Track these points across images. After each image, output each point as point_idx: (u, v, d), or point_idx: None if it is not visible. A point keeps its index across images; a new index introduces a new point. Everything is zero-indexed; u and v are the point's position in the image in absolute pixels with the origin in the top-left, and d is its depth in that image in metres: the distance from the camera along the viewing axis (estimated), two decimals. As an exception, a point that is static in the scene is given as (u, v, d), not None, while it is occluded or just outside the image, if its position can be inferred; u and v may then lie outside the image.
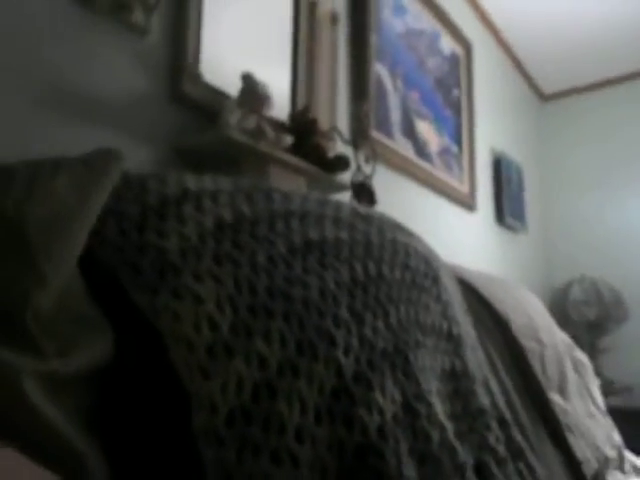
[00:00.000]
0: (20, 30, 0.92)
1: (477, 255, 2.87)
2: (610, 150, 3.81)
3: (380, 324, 0.62)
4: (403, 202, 2.22)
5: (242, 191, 0.68)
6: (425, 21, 2.66)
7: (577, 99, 4.09)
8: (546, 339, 1.29)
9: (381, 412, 0.53)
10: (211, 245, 0.55)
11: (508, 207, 3.23)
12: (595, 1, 3.22)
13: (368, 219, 0.81)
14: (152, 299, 0.48)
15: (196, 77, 1.24)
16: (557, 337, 1.42)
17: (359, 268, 0.66)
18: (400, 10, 2.44)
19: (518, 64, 3.84)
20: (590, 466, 1.07)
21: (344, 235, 0.71)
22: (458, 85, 2.93)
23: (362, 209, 0.86)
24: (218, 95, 1.28)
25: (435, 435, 0.57)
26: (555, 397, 1.19)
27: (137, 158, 1.12)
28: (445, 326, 0.79)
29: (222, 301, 0.51)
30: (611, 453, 1.25)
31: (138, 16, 1.09)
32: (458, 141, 2.84)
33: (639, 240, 3.58)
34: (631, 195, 3.66)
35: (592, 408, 1.37)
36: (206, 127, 1.24)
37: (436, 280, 0.84)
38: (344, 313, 0.58)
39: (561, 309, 3.52)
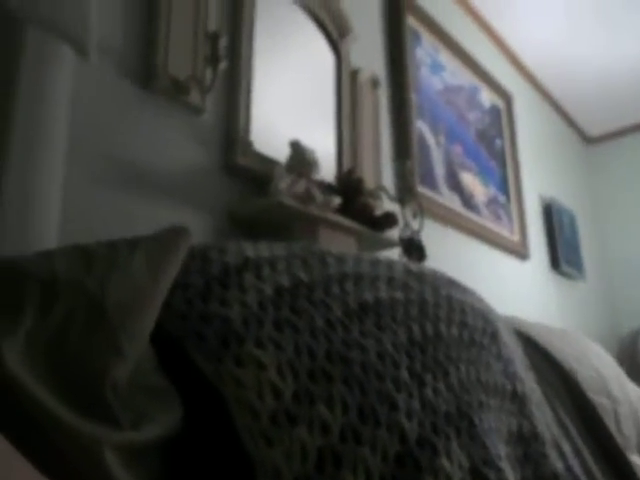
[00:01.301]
0: (93, 114, 1.01)
1: (533, 304, 2.78)
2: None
3: (441, 385, 0.61)
4: (453, 254, 2.20)
5: (297, 257, 0.70)
6: (463, 77, 2.72)
7: (622, 140, 4.02)
8: (618, 394, 1.23)
9: (448, 478, 0.52)
10: (271, 312, 0.56)
11: (563, 253, 3.14)
12: (632, 43, 3.22)
13: (421, 277, 0.82)
14: (217, 367, 0.50)
15: (247, 147, 1.31)
16: (630, 391, 1.34)
17: (416, 328, 0.66)
18: (438, 68, 2.51)
19: (560, 109, 3.83)
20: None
21: (399, 295, 0.71)
22: (501, 136, 2.94)
23: (414, 267, 0.87)
24: (269, 163, 1.34)
25: (507, 502, 0.55)
26: (634, 458, 1.11)
27: (196, 227, 1.17)
28: (508, 385, 0.76)
29: (283, 367, 0.52)
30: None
31: (195, 96, 1.17)
32: (505, 190, 2.82)
33: None
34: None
35: (675, 468, 1.27)
36: (259, 194, 1.29)
37: (495, 336, 0.82)
38: (404, 375, 0.58)
39: (630, 359, 3.33)
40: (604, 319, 3.54)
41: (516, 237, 2.77)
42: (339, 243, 1.38)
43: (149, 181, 1.11)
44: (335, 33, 1.79)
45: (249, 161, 1.31)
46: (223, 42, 1.13)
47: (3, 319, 0.43)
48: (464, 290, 0.90)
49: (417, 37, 2.39)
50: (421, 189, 2.07)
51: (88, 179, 0.99)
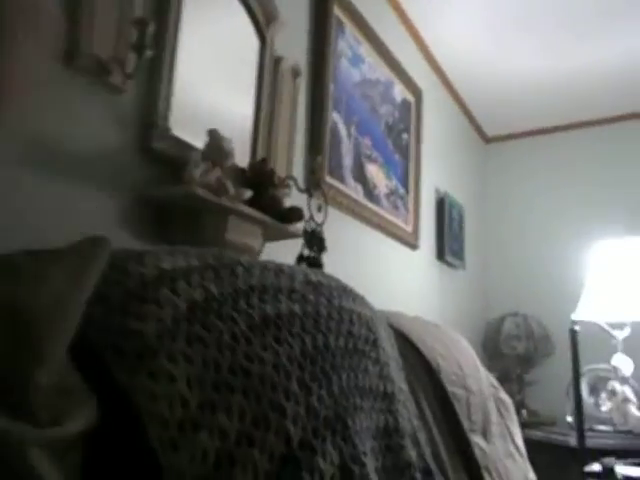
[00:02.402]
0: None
1: (420, 290, 3.04)
2: (548, 194, 4.10)
3: (324, 393, 0.72)
4: (353, 243, 2.35)
5: (210, 267, 0.77)
6: (379, 70, 2.83)
7: (519, 142, 4.40)
8: (473, 386, 1.43)
9: (322, 475, 0.63)
10: (184, 327, 0.64)
11: (449, 245, 3.43)
12: (538, 56, 3.50)
13: (318, 288, 0.92)
14: (132, 379, 0.57)
15: (165, 131, 1.33)
16: (483, 382, 1.56)
17: (308, 341, 0.77)
18: (357, 60, 2.60)
19: (465, 108, 4.10)
20: (505, 506, 1.21)
21: (297, 308, 0.81)
22: (408, 130, 3.11)
23: (314, 276, 0.97)
24: (186, 148, 1.37)
25: (366, 492, 0.68)
26: (478, 439, 1.32)
27: (108, 209, 1.19)
28: (381, 386, 0.90)
29: (192, 380, 0.60)
30: (526, 492, 1.40)
31: (116, 77, 1.17)
32: (405, 183, 3.02)
33: (569, 281, 3.85)
34: (566, 238, 3.94)
35: (511, 448, 1.52)
36: (174, 178, 1.32)
37: (375, 343, 0.95)
38: (294, 386, 0.68)
39: (494, 342, 3.74)
40: (477, 305, 3.93)
41: (410, 228, 2.99)
42: (246, 232, 1.45)
43: (65, 160, 1.10)
44: (262, 18, 1.81)
45: (166, 145, 1.33)
46: (151, 30, 1.13)
47: None
48: (354, 298, 1.02)
49: (341, 28, 2.46)
50: (329, 179, 2.18)
51: (5, 162, 0.98)
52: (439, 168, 3.52)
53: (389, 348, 1.05)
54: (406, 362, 1.18)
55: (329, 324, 0.84)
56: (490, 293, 4.09)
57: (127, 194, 1.25)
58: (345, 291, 1.01)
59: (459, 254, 3.61)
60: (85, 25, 1.11)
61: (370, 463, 0.73)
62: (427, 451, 0.97)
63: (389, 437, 0.85)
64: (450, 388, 1.31)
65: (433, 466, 0.95)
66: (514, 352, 3.54)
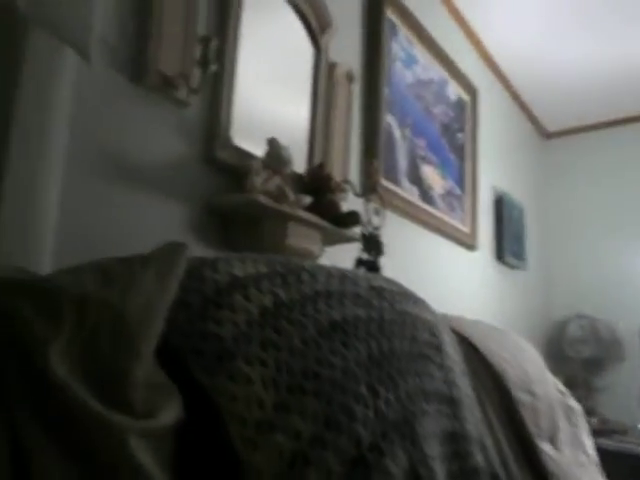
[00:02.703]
0: (86, 107, 1.05)
1: (479, 292, 2.99)
2: (613, 191, 3.94)
3: (391, 397, 0.74)
4: (409, 246, 2.35)
5: (278, 274, 0.80)
6: (433, 70, 2.81)
7: (580, 137, 4.24)
8: (539, 391, 1.40)
9: (391, 477, 0.65)
10: (257, 331, 0.67)
11: (508, 245, 3.35)
12: (597, 47, 3.38)
13: (381, 293, 0.94)
14: (213, 380, 0.61)
15: (227, 141, 1.38)
16: (550, 388, 1.53)
17: (374, 345, 0.78)
18: (411, 61, 2.59)
19: (522, 104, 3.99)
20: (575, 514, 1.17)
21: (362, 313, 0.83)
22: (463, 129, 3.07)
23: (376, 281, 0.98)
24: (246, 157, 1.41)
25: (436, 496, 0.68)
26: (546, 447, 1.29)
27: (175, 217, 1.25)
28: (447, 391, 0.90)
29: (267, 382, 0.63)
30: (598, 501, 1.35)
31: (181, 92, 1.22)
32: (461, 183, 2.98)
33: (638, 282, 3.68)
34: (632, 237, 3.77)
35: (582, 457, 1.47)
36: (235, 186, 1.37)
37: (439, 348, 0.96)
38: (363, 389, 0.70)
39: (558, 345, 3.63)
40: (539, 307, 3.82)
41: (467, 229, 2.94)
42: (306, 237, 1.48)
43: (135, 172, 1.17)
44: (316, 26, 1.84)
45: (228, 155, 1.38)
46: (214, 46, 1.18)
47: (48, 330, 0.52)
48: (416, 302, 1.03)
49: (394, 30, 2.46)
50: (384, 182, 2.18)
51: (80, 172, 1.04)
52: (496, 167, 3.45)
53: (453, 353, 1.05)
54: (470, 367, 1.17)
55: (393, 328, 0.86)
56: (553, 294, 3.96)
57: (193, 203, 1.30)
58: (407, 296, 1.02)
59: (520, 254, 3.52)
60: (153, 44, 1.17)
61: (438, 468, 0.73)
62: (495, 457, 0.96)
63: (456, 443, 0.85)
64: (515, 393, 1.29)
65: (501, 473, 0.94)
66: (580, 356, 3.41)
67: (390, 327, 0.85)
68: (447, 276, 2.66)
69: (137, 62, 1.16)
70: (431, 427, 0.79)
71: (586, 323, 3.53)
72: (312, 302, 0.78)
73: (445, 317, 1.42)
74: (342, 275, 0.92)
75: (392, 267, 1.94)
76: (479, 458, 0.88)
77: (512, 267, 3.43)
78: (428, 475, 0.69)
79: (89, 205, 1.06)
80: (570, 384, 3.24)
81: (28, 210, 0.86)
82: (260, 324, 0.68)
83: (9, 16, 0.85)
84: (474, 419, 0.96)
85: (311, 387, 0.65)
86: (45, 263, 0.88)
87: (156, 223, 1.20)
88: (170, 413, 0.57)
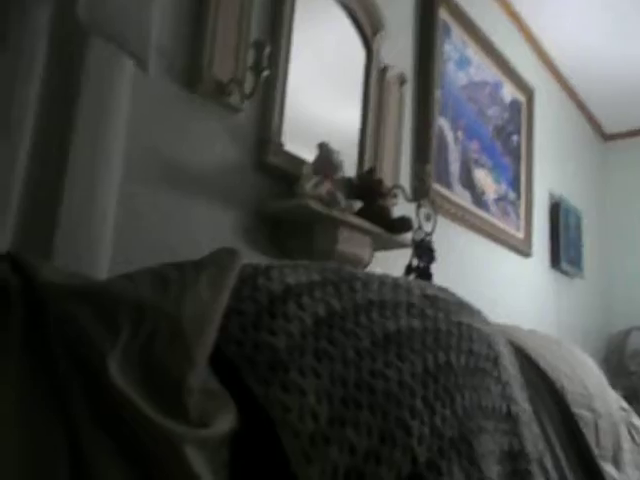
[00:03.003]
0: (142, 115, 1.07)
1: (533, 300, 2.89)
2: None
3: (448, 412, 0.71)
4: (461, 252, 2.29)
5: (330, 282, 0.79)
6: (487, 71, 2.74)
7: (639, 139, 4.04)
8: (600, 408, 1.33)
9: (449, 497, 0.62)
10: (311, 342, 0.66)
11: (565, 252, 3.23)
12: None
13: (435, 303, 0.91)
14: (266, 391, 0.60)
15: (278, 147, 1.38)
16: (612, 404, 1.45)
17: (430, 358, 0.76)
18: (464, 63, 2.54)
19: (580, 104, 3.84)
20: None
21: (416, 324, 0.80)
22: (518, 131, 2.98)
23: (430, 290, 0.95)
24: (297, 162, 1.41)
25: (495, 518, 0.65)
26: (608, 468, 1.23)
27: (227, 222, 1.26)
28: (504, 407, 0.87)
29: (321, 394, 0.61)
30: (663, 526, 1.27)
31: (234, 98, 1.23)
32: (516, 187, 2.88)
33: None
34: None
35: (646, 478, 1.39)
36: (286, 191, 1.36)
37: (496, 361, 0.92)
38: (419, 404, 0.68)
39: (618, 358, 3.46)
40: (598, 317, 3.66)
41: (521, 234, 2.85)
42: (356, 243, 1.47)
43: (188, 178, 1.19)
44: (368, 29, 1.82)
45: (279, 160, 1.39)
46: (267, 51, 1.19)
47: (106, 337, 0.53)
48: (471, 313, 0.99)
49: (447, 31, 2.41)
50: (436, 186, 2.14)
51: (136, 177, 1.07)
52: (553, 170, 3.33)
53: (510, 366, 1.00)
54: (527, 380, 1.12)
55: (449, 341, 0.83)
56: (613, 304, 3.78)
57: (245, 208, 1.31)
58: (462, 306, 0.99)
59: (577, 262, 3.38)
60: (207, 51, 1.18)
61: (497, 488, 0.70)
62: (555, 477, 0.91)
63: (514, 461, 0.81)
64: (576, 410, 1.23)
65: (562, 493, 0.89)
66: (641, 369, 3.24)
67: (446, 339, 0.82)
68: (500, 283, 2.58)
69: (192, 69, 1.18)
70: (489, 445, 0.76)
71: (649, 335, 3.35)
72: (365, 312, 0.76)
73: (501, 328, 1.37)
74: (395, 284, 0.89)
75: (444, 274, 1.89)
76: (539, 479, 0.83)
77: (568, 275, 3.30)
78: (487, 496, 0.66)
79: (144, 210, 1.08)
80: (631, 400, 3.08)
81: (87, 215, 0.88)
82: (314, 334, 0.67)
83: (69, 26, 0.88)
84: (533, 436, 0.92)
85: (365, 400, 0.63)
86: (103, 267, 0.90)
87: (208, 228, 1.21)
88: (224, 422, 0.56)
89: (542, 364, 1.25)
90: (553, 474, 0.91)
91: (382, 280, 0.89)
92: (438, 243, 1.91)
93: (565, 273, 3.26)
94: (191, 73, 1.18)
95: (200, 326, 0.59)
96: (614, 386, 3.27)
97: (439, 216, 2.09)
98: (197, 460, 0.51)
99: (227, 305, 0.65)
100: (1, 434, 0.44)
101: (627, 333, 3.46)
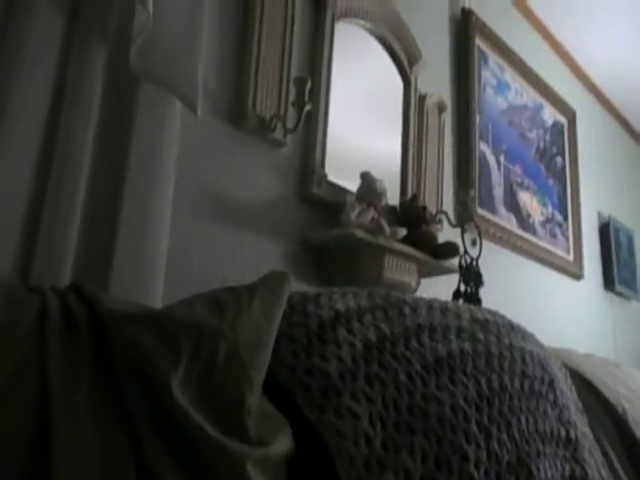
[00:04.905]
0: (191, 153, 1.13)
1: (587, 323, 2.78)
2: None
3: (504, 436, 0.70)
4: (509, 276, 2.25)
5: (379, 307, 0.80)
6: (526, 95, 2.73)
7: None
8: (666, 433, 1.27)
9: (510, 524, 0.60)
10: (362, 366, 0.66)
11: (618, 273, 3.11)
12: None
13: (486, 326, 0.90)
14: (320, 417, 0.60)
15: (322, 178, 1.41)
16: (678, 429, 1.38)
17: (483, 382, 0.75)
18: (502, 88, 2.54)
19: (624, 123, 3.75)
20: None
21: (467, 347, 0.80)
22: (562, 153, 2.93)
23: (480, 313, 0.95)
24: (340, 192, 1.43)
25: None
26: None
27: (273, 252, 1.29)
28: (563, 431, 0.84)
29: (374, 418, 0.62)
30: None
31: (278, 133, 1.28)
32: (563, 209, 2.82)
33: None
34: None
35: None
36: (330, 220, 1.39)
37: (552, 384, 0.90)
38: (473, 428, 0.67)
39: (683, 384, 3.27)
40: (658, 341, 3.48)
41: (571, 257, 2.77)
42: (402, 270, 1.47)
43: (235, 211, 1.22)
44: (405, 60, 1.86)
45: (323, 191, 1.41)
46: (308, 86, 1.23)
47: (168, 359, 0.55)
48: (524, 336, 0.98)
49: (484, 57, 2.43)
50: (480, 211, 2.12)
51: (186, 213, 1.11)
52: (601, 190, 3.25)
53: (567, 390, 0.98)
54: (585, 405, 1.09)
55: (502, 364, 0.82)
56: (673, 326, 3.60)
57: (290, 238, 1.34)
58: (513, 329, 0.97)
59: (631, 283, 3.25)
60: (251, 90, 1.24)
61: (561, 515, 0.68)
62: (621, 506, 0.87)
63: (578, 489, 0.78)
64: (638, 434, 1.18)
65: (630, 524, 0.85)
66: None
67: (499, 362, 0.81)
68: (552, 307, 2.51)
69: (236, 107, 1.23)
70: (549, 470, 0.74)
71: None
72: (416, 336, 0.76)
73: (556, 351, 1.34)
74: (444, 307, 0.89)
75: (492, 298, 1.86)
76: (605, 507, 0.80)
77: (624, 297, 3.17)
78: (549, 524, 0.64)
79: (194, 244, 1.12)
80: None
81: (140, 251, 0.92)
82: (365, 359, 0.68)
83: (123, 72, 0.94)
84: (595, 462, 0.88)
85: (419, 425, 0.63)
86: (156, 300, 0.93)
87: (255, 259, 1.24)
88: (283, 443, 0.57)
89: (601, 387, 1.21)
90: (620, 503, 0.87)
91: (430, 304, 0.89)
92: (485, 267, 1.89)
93: (620, 295, 3.14)
94: (236, 111, 1.23)
95: (256, 350, 0.61)
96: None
97: (485, 241, 2.07)
98: (258, 478, 0.52)
99: (278, 330, 0.67)
100: (82, 458, 0.46)
101: (692, 357, 3.27)
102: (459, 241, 1.66)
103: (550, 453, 0.77)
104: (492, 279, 2.00)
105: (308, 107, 1.25)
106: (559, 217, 2.79)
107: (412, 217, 1.58)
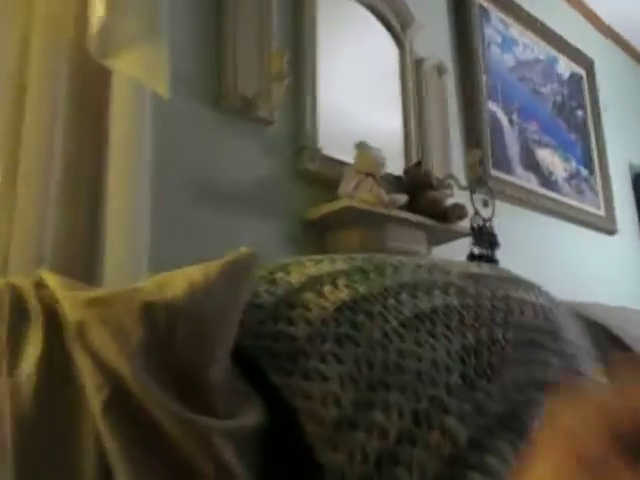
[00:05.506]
0: (172, 139, 1.12)
1: (623, 278, 2.66)
2: None
3: (493, 388, 0.66)
4: (534, 236, 2.17)
5: (357, 270, 0.77)
6: (537, 49, 2.62)
7: None
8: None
9: (497, 475, 0.57)
10: (332, 328, 0.64)
11: (656, 225, 2.96)
12: None
13: (479, 280, 0.86)
14: (288, 381, 0.58)
15: (316, 153, 1.38)
16: None
17: (470, 335, 0.71)
18: (509, 44, 2.44)
19: (652, 69, 3.56)
20: None
21: (454, 301, 0.76)
22: (582, 106, 2.81)
23: (475, 269, 0.90)
24: (337, 165, 1.40)
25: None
26: None
27: (270, 232, 1.27)
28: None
29: (344, 379, 0.59)
30: None
31: (263, 110, 1.26)
32: (588, 163, 2.70)
33: None
34: None
35: None
36: (329, 195, 1.36)
37: (556, 334, 0.85)
38: (456, 381, 0.64)
39: None
40: None
41: (602, 211, 2.66)
42: (409, 238, 1.43)
43: (227, 193, 1.21)
44: (397, 25, 1.80)
45: (318, 166, 1.39)
46: (286, 59, 1.20)
47: (125, 336, 0.54)
48: (526, 288, 0.93)
49: (486, 15, 2.34)
50: (495, 173, 2.05)
51: (170, 199, 1.11)
52: (630, 140, 3.09)
53: (577, 339, 0.92)
54: (605, 356, 1.03)
55: (494, 316, 0.77)
56: None
57: (288, 216, 1.32)
58: (512, 281, 0.93)
59: (672, 234, 3.09)
60: (229, 68, 1.22)
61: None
62: None
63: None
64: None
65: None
66: None
67: (490, 315, 0.77)
68: (583, 264, 2.41)
69: (217, 89, 1.22)
70: (549, 421, 0.70)
71: None
72: (395, 294, 0.73)
73: (578, 304, 1.27)
74: (432, 265, 0.86)
75: (515, 260, 1.79)
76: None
77: (665, 248, 3.02)
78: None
79: (183, 228, 1.11)
80: None
81: (126, 234, 0.92)
82: (336, 320, 0.65)
83: (88, 67, 0.93)
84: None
85: (395, 381, 0.60)
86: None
87: (253, 239, 1.23)
88: (252, 416, 0.56)
89: (626, 338, 1.14)
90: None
91: (418, 264, 0.85)
92: (504, 229, 1.82)
93: (660, 247, 2.98)
94: (216, 92, 1.22)
95: (220, 323, 0.59)
96: None
97: (503, 203, 2.00)
98: (227, 450, 0.51)
99: (247, 302, 0.65)
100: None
101: None
102: (469, 203, 1.61)
103: (552, 403, 0.73)
104: (512, 241, 1.93)
105: (287, 80, 1.22)
106: (585, 172, 2.67)
107: (417, 184, 1.54)
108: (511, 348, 0.74)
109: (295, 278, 0.71)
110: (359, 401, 0.58)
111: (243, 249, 0.72)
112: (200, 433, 0.51)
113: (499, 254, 1.66)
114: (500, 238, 1.70)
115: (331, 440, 0.55)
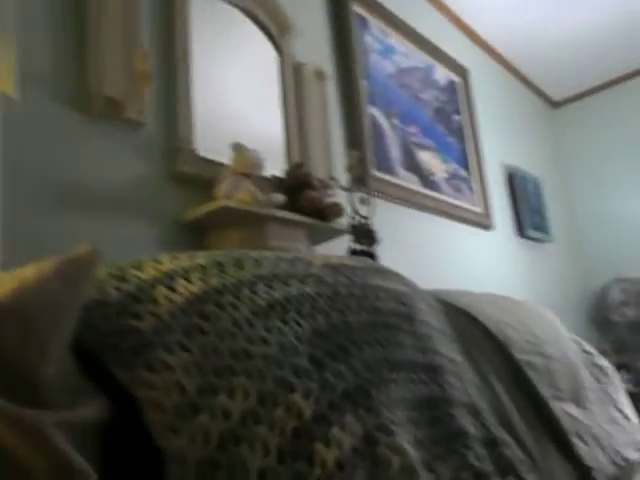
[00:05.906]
0: (25, 138, 1.07)
1: (501, 270, 2.89)
2: (632, 145, 3.78)
3: (342, 367, 0.70)
4: (415, 233, 2.29)
5: (216, 264, 0.78)
6: (416, 57, 2.77)
7: (586, 101, 4.10)
8: (554, 352, 1.33)
9: (340, 445, 0.61)
10: (180, 319, 0.65)
11: (528, 220, 3.24)
12: (587, 9, 3.27)
13: (340, 270, 0.90)
14: (131, 374, 0.58)
15: (191, 154, 1.38)
16: (570, 348, 1.44)
17: (322, 320, 0.75)
18: (388, 52, 2.57)
19: (523, 78, 3.89)
20: (604, 471, 1.09)
21: (309, 290, 0.79)
22: (458, 111, 3.01)
23: (338, 260, 0.95)
24: (215, 166, 1.41)
25: (395, 461, 0.64)
26: (566, 407, 1.22)
27: (145, 237, 1.25)
28: (422, 359, 0.85)
29: (190, 367, 0.60)
30: (635, 456, 1.26)
31: (132, 112, 1.23)
32: (465, 164, 2.90)
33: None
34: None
35: (614, 413, 1.38)
36: (205, 196, 1.36)
37: (411, 317, 0.91)
38: (304, 362, 0.67)
39: (602, 312, 3.46)
40: (575, 277, 3.66)
41: (479, 209, 2.86)
42: (289, 237, 1.46)
43: (95, 196, 1.18)
44: (275, 31, 1.84)
45: (194, 167, 1.38)
46: (151, 60, 1.19)
47: None
48: (385, 275, 0.99)
49: (364, 24, 2.44)
50: (378, 174, 2.15)
51: (31, 205, 1.06)
52: (503, 143, 3.36)
53: (433, 321, 1.00)
54: (465, 336, 1.12)
55: (348, 302, 0.82)
56: (588, 262, 3.80)
57: (163, 220, 1.30)
58: (372, 270, 0.98)
59: (543, 227, 3.39)
60: (93, 71, 1.19)
61: (402, 432, 0.69)
62: (491, 421, 0.90)
63: (435, 408, 0.80)
64: (523, 357, 1.22)
65: (502, 436, 0.88)
66: (625, 319, 3.24)
67: (345, 301, 0.82)
68: (463, 259, 2.58)
69: (80, 90, 1.18)
70: (398, 394, 0.75)
71: (627, 285, 3.36)
72: (250, 285, 0.75)
73: (442, 291, 1.37)
74: (294, 259, 0.89)
75: (396, 256, 1.89)
76: (464, 422, 0.82)
77: (537, 241, 3.31)
78: (387, 440, 0.65)
79: (39, 234, 1.06)
80: (619, 348, 3.08)
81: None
82: (185, 311, 0.66)
83: None
84: (462, 384, 0.91)
85: (241, 366, 0.62)
86: None
87: (126, 243, 1.20)
88: (89, 409, 0.55)
89: (484, 320, 1.25)
90: (489, 417, 0.90)
91: (280, 257, 0.88)
92: (386, 227, 1.92)
93: (533, 239, 3.27)
94: (80, 94, 1.18)
95: (52, 321, 0.57)
96: (602, 338, 3.27)
97: (386, 202, 2.10)
98: (62, 440, 0.50)
99: (92, 299, 0.65)
100: None
101: (607, 287, 3.46)
102: (349, 203, 1.68)
103: (402, 379, 0.78)
104: (394, 237, 2.04)
105: (155, 81, 1.21)
106: (462, 172, 2.87)
107: (297, 184, 1.58)
108: (364, 330, 0.79)
109: (147, 274, 0.71)
110: (204, 387, 0.59)
111: (82, 246, 0.70)
112: (31, 427, 0.49)
113: (381, 250, 1.74)
114: (383, 235, 1.79)
115: (172, 426, 0.56)
